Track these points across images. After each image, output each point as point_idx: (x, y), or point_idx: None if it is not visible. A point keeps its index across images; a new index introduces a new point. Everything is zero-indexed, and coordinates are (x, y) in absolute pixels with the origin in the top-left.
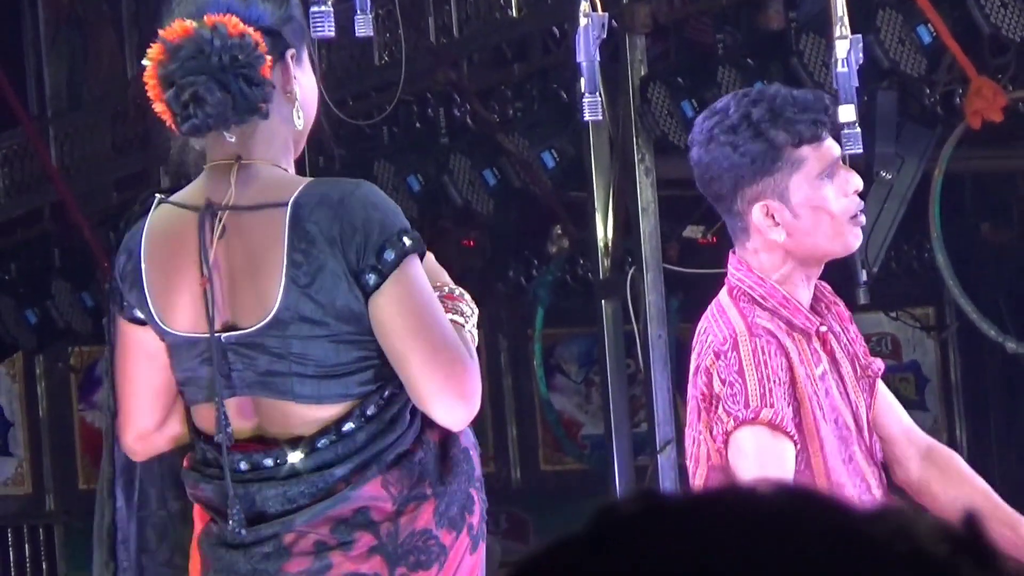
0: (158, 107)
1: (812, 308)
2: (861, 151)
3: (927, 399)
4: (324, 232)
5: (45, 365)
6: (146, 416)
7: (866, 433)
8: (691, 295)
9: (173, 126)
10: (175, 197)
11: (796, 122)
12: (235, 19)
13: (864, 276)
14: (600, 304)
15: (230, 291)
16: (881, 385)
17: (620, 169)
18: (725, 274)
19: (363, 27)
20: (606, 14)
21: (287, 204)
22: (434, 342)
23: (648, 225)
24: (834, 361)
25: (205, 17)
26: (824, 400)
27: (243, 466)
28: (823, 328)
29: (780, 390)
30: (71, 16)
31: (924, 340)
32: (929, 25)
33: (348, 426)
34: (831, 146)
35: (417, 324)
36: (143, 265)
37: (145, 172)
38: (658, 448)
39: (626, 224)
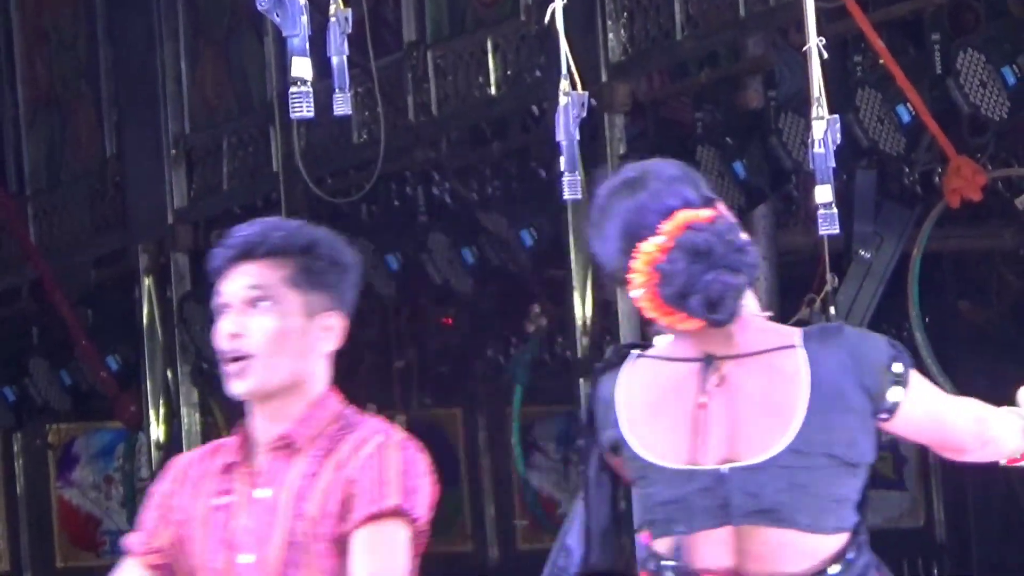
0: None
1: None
2: (838, 231)
3: (905, 479)
4: (840, 366)
5: (23, 443)
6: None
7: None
8: None
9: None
10: (654, 352)
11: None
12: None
13: None
14: (578, 382)
15: (732, 429)
16: (359, 543)
17: None
18: None
19: (342, 105)
20: (586, 93)
21: (797, 346)
22: (964, 413)
23: (626, 304)
24: (245, 496)
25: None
26: (218, 530)
27: None
28: (229, 460)
29: (151, 513)
30: (50, 96)
31: None
32: (908, 105)
33: (834, 568)
34: (224, 286)
35: (948, 405)
36: (618, 407)
37: (123, 250)
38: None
39: (604, 303)
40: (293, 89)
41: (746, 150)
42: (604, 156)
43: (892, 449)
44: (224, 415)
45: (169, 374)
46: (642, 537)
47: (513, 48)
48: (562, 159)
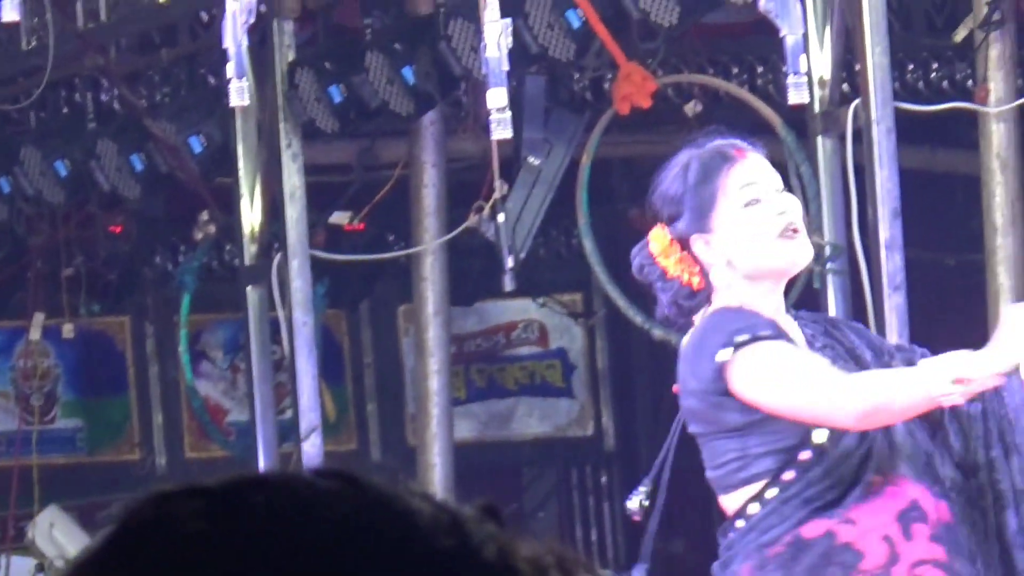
0: None
1: None
2: (511, 135)
3: (574, 386)
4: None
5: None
6: None
7: None
8: (337, 281)
9: None
10: None
11: None
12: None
13: (510, 262)
14: (246, 290)
15: None
16: None
17: (267, 154)
18: (372, 261)
19: (10, 12)
20: None
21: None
22: None
23: (295, 211)
24: None
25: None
26: None
27: None
28: None
29: None
30: None
31: (571, 327)
32: (578, 10)
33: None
34: None
35: None
36: None
37: None
38: (303, 435)
39: (273, 210)
40: None
41: (415, 56)
42: (272, 62)
43: (560, 356)
44: None
45: None
46: None
47: None
48: (230, 65)
